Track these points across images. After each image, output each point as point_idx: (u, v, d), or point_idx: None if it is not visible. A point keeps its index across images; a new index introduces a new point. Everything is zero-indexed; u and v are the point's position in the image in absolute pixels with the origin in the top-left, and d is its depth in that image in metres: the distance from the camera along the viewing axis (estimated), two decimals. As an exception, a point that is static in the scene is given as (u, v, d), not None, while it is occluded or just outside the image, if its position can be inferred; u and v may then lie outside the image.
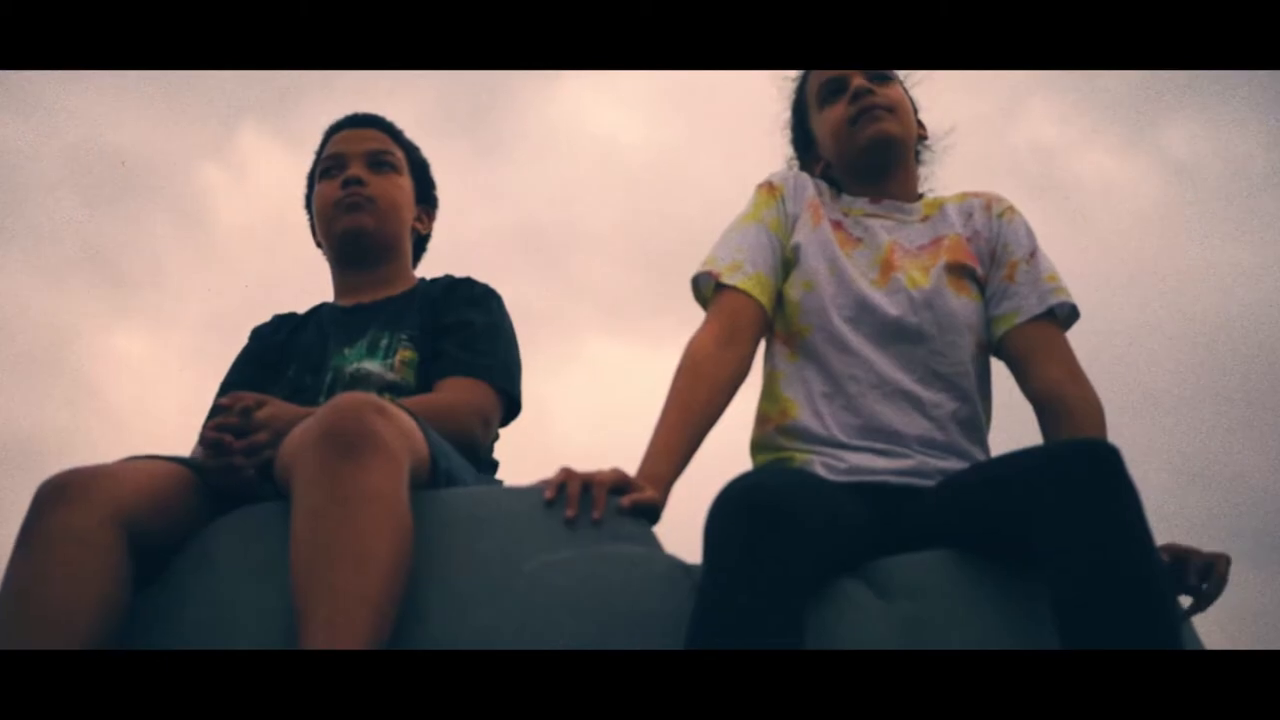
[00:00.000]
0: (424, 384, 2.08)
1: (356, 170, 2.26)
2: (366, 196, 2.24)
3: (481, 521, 1.65)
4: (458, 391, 2.03)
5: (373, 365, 2.08)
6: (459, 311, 2.16)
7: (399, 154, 2.32)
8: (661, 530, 1.73)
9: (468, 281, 2.25)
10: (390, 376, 2.07)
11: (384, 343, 2.12)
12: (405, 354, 2.10)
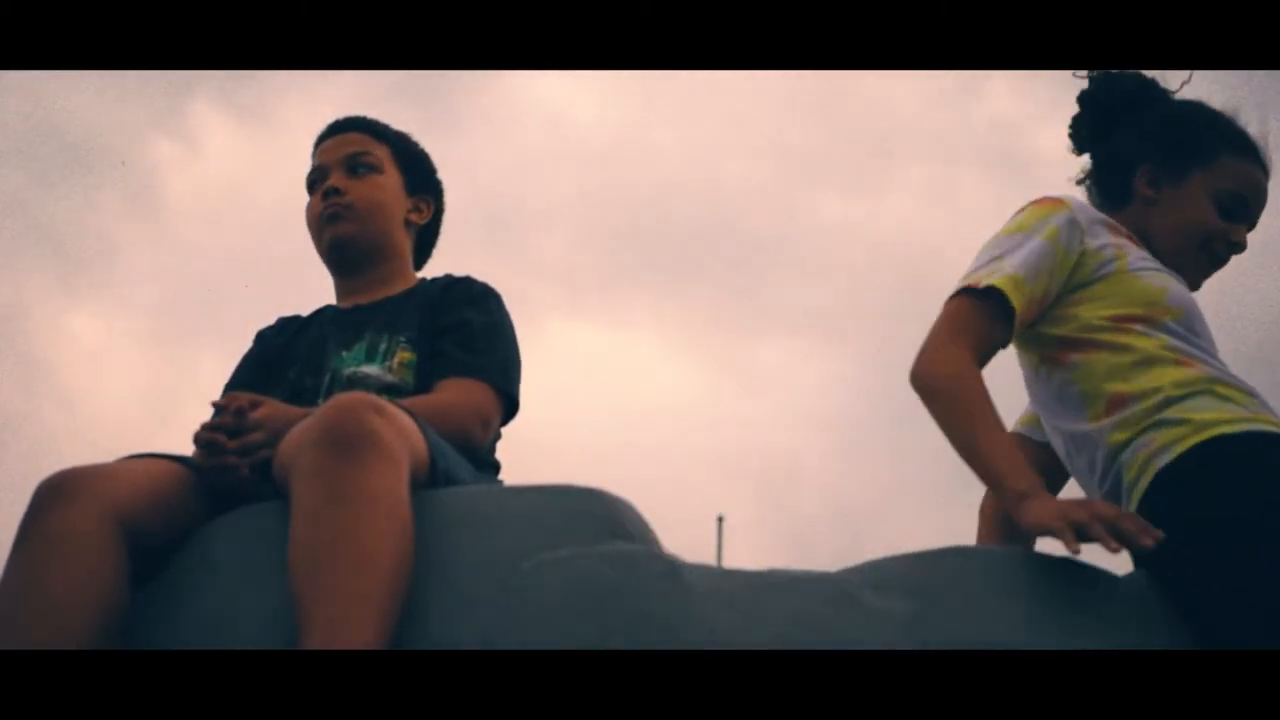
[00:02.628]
0: (423, 385, 2.07)
1: (335, 179, 2.25)
2: (345, 205, 2.23)
3: (481, 521, 1.65)
4: (456, 392, 2.02)
5: (370, 368, 2.08)
6: (457, 311, 2.15)
7: (380, 151, 2.30)
8: (661, 530, 1.74)
9: (466, 280, 2.24)
10: (388, 379, 2.07)
11: (382, 346, 2.11)
12: (404, 355, 2.10)
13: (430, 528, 1.61)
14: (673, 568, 1.63)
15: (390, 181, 2.30)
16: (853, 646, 1.54)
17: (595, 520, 1.65)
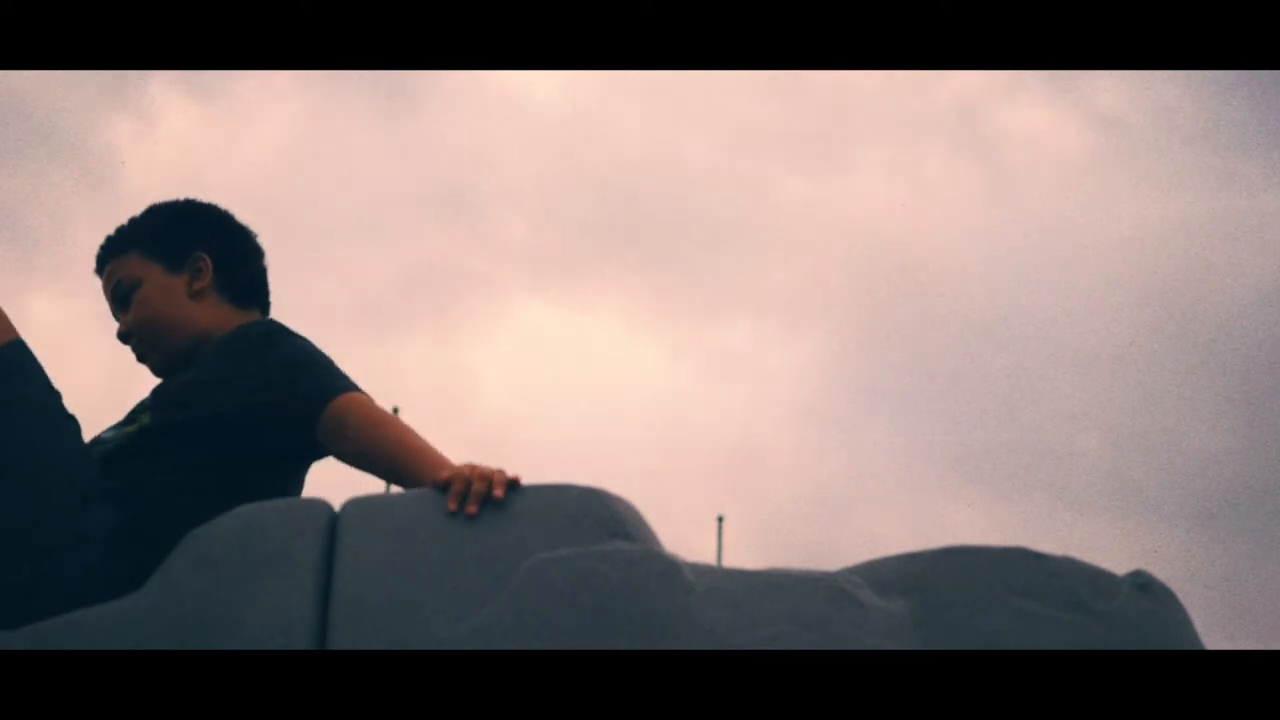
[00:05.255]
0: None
1: (119, 324, 2.24)
2: (135, 343, 2.23)
3: (481, 521, 1.65)
4: (354, 409, 1.97)
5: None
6: (253, 367, 2.06)
7: (130, 265, 2.23)
8: (660, 530, 1.74)
9: (236, 342, 2.14)
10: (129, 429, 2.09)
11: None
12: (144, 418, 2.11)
13: (430, 527, 1.62)
14: (673, 568, 1.63)
15: (151, 285, 2.21)
16: (853, 646, 1.54)
17: (595, 520, 1.65)
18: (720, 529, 14.02)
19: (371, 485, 2.07)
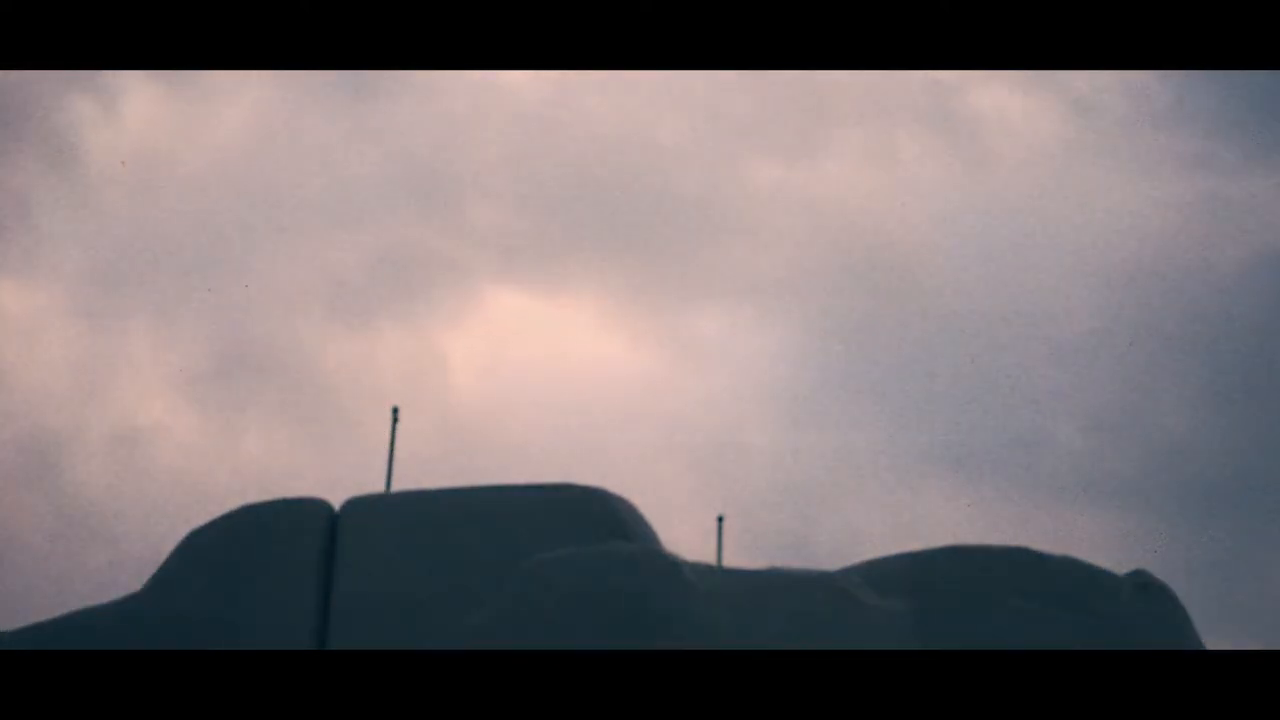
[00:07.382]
0: None
1: None
2: None
3: (481, 521, 1.66)
4: None
5: None
6: None
7: None
8: (660, 530, 1.74)
9: None
10: None
11: None
12: None
13: (430, 527, 1.62)
14: (673, 567, 1.64)
15: None
16: (853, 646, 1.54)
17: (595, 520, 1.66)
18: (720, 529, 14.04)
19: (372, 485, 2.08)
